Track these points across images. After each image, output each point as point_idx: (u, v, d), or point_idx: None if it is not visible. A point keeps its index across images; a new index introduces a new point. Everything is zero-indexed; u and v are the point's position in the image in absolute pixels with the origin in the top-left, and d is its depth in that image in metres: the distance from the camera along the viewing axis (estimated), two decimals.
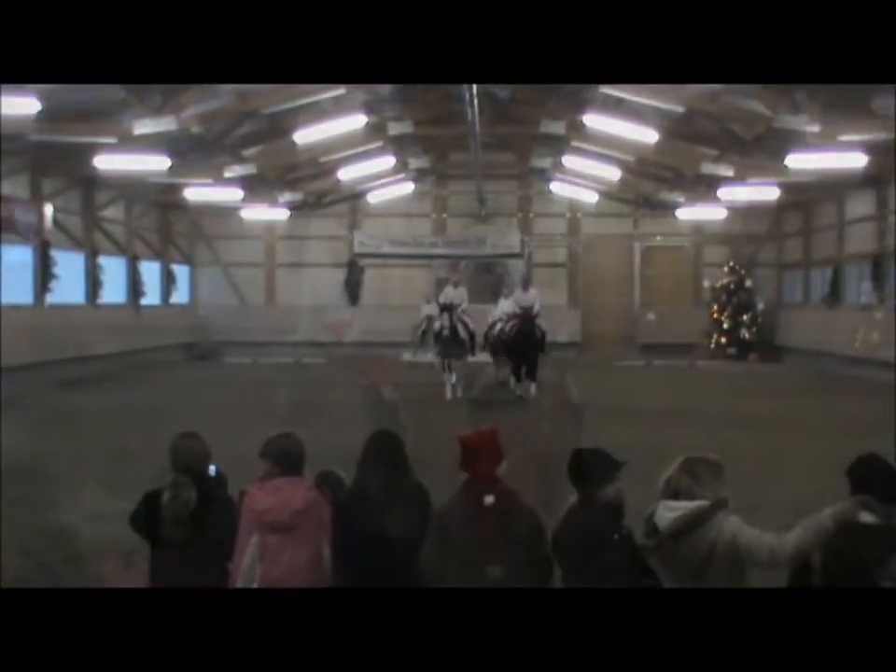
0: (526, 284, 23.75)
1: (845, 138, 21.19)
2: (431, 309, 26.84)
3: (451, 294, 23.23)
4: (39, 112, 17.70)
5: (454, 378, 22.18)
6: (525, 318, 22.17)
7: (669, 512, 5.21)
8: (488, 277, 37.97)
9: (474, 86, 18.32)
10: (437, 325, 22.86)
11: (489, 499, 5.55)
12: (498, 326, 23.90)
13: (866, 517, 5.08)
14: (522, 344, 22.07)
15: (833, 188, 30.26)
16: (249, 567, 5.66)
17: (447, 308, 22.42)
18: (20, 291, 25.84)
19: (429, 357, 26.67)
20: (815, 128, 20.25)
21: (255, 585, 5.63)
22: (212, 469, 6.05)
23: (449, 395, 21.81)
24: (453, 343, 22.27)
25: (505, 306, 24.35)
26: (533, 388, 21.90)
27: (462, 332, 22.37)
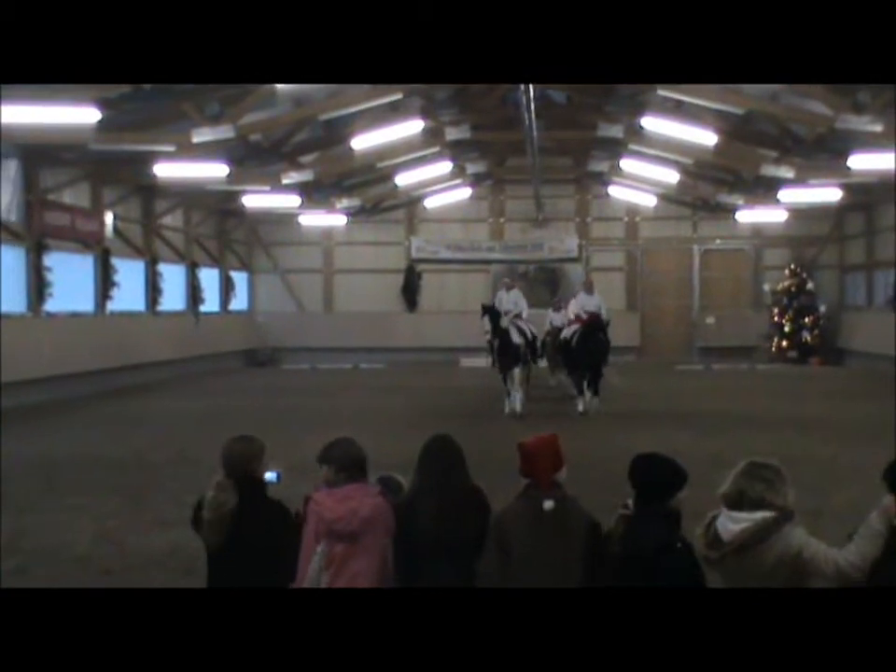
0: (591, 287, 22.31)
1: None
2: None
3: (503, 299, 21.72)
4: (99, 121, 17.91)
5: (513, 389, 20.42)
6: (592, 325, 20.57)
7: (734, 524, 5.11)
8: (546, 281, 38.01)
9: (531, 90, 18.26)
10: (486, 334, 21.22)
11: (549, 504, 5.55)
12: (564, 333, 21.91)
13: None
14: (587, 354, 20.43)
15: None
16: (316, 575, 5.58)
17: (488, 310, 20.91)
18: (81, 299, 26.15)
19: (483, 361, 26.14)
20: (877, 128, 19.99)
21: None
22: (271, 475, 5.99)
23: (507, 409, 20.21)
24: (506, 353, 20.50)
25: (573, 309, 22.49)
26: (597, 402, 20.58)
27: (516, 338, 20.59)
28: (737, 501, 5.17)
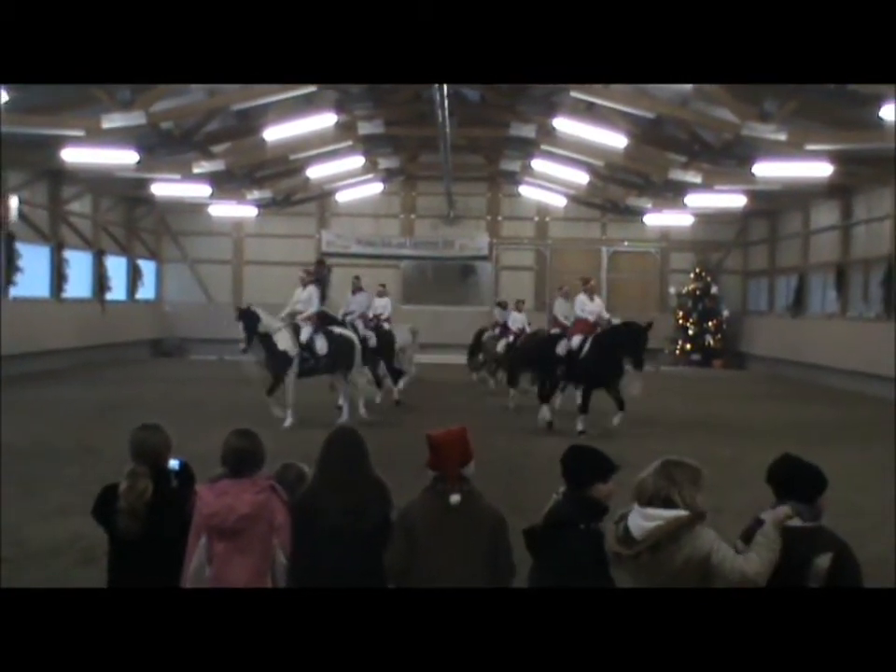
0: (592, 288, 19.39)
1: (811, 147, 21.34)
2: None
3: (297, 296, 19.33)
4: (6, 103, 17.56)
5: (285, 403, 18.09)
6: (628, 329, 17.80)
7: (646, 521, 5.11)
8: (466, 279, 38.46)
9: (445, 87, 18.26)
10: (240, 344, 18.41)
11: (455, 498, 5.53)
12: (573, 343, 18.21)
13: (794, 521, 5.20)
14: (607, 367, 17.59)
15: (798, 196, 30.50)
16: (196, 570, 5.53)
17: (243, 314, 18.31)
18: None
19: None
20: (782, 136, 20.35)
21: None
22: (174, 463, 5.89)
23: (287, 421, 17.68)
24: (272, 361, 18.23)
25: (567, 311, 19.74)
26: (622, 416, 17.66)
27: (283, 344, 18.10)
28: (646, 497, 5.19)
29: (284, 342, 18.12)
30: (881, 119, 17.25)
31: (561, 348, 18.41)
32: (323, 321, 19.12)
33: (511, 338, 23.86)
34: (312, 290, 19.10)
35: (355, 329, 20.05)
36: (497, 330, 25.45)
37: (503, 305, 26.71)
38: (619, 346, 17.49)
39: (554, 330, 19.97)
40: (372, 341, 20.81)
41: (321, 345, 18.51)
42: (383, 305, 23.25)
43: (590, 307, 18.72)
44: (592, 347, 17.86)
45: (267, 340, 18.11)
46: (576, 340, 18.20)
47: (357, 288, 21.93)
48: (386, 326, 22.48)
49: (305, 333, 18.44)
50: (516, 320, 24.57)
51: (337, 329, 19.25)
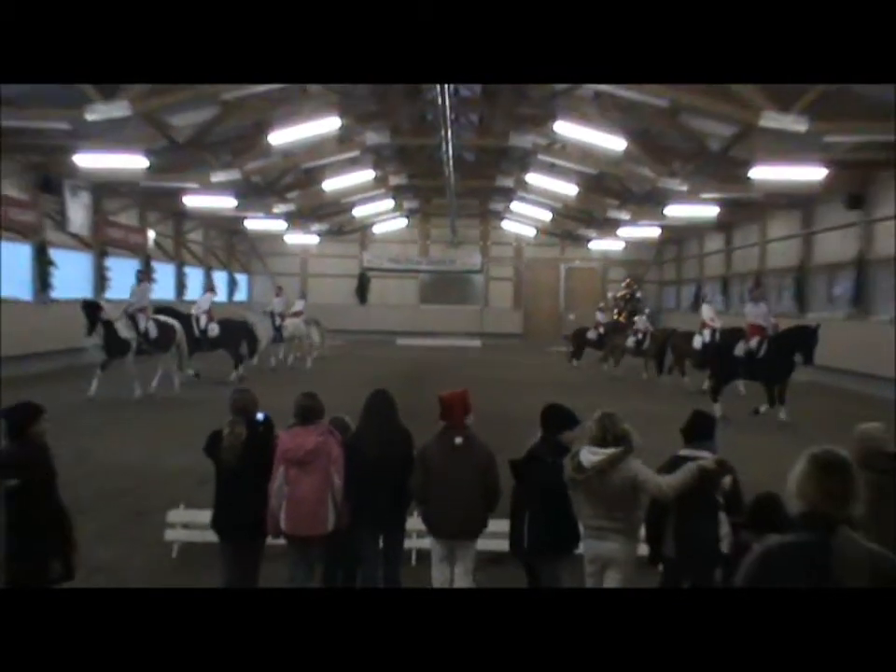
0: (761, 294, 15.94)
1: (705, 195, 21.50)
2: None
3: (134, 292, 16.90)
4: (148, 168, 17.80)
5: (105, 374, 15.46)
6: (789, 335, 14.70)
7: (593, 456, 5.19)
8: (460, 285, 38.25)
9: (450, 148, 18.34)
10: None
11: (458, 440, 5.60)
12: (751, 344, 14.98)
13: (706, 453, 5.26)
14: (786, 366, 14.50)
15: (696, 229, 30.57)
16: (278, 488, 5.63)
17: (86, 306, 15.74)
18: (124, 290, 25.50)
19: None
20: (685, 188, 20.45)
21: (283, 503, 5.61)
22: (260, 415, 5.97)
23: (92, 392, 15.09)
24: (110, 346, 15.75)
25: (753, 312, 15.10)
26: (784, 411, 14.45)
27: (124, 332, 15.95)
28: (602, 439, 5.25)
29: (124, 330, 15.95)
30: (749, 177, 17.30)
31: (739, 349, 15.23)
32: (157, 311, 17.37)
33: (707, 334, 18.78)
34: (145, 287, 16.96)
35: (134, 322, 16.29)
36: (641, 336, 22.43)
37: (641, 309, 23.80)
38: (794, 346, 14.51)
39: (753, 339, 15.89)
40: (153, 333, 16.66)
41: (153, 331, 16.55)
42: (202, 299, 20.05)
43: (755, 313, 15.35)
44: (770, 348, 14.79)
45: (109, 327, 15.67)
46: (753, 342, 15.00)
47: (140, 280, 17.22)
48: (200, 317, 19.26)
49: (142, 322, 16.39)
50: (712, 318, 19.19)
51: (162, 318, 17.16)
